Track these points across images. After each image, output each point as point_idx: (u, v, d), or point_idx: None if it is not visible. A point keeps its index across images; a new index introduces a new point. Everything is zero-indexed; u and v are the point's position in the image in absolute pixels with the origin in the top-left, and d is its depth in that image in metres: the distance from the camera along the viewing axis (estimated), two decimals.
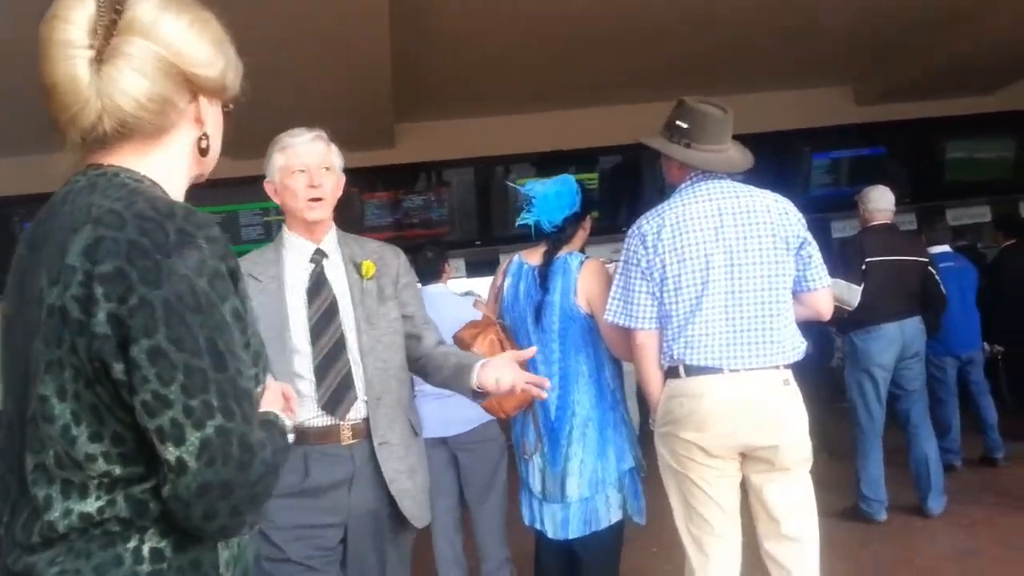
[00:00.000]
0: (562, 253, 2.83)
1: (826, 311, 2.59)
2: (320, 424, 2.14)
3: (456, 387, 2.22)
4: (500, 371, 2.09)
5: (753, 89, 6.63)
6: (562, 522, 2.78)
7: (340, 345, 2.15)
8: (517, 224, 2.94)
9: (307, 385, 2.12)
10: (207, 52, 1.14)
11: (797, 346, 2.47)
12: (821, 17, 5.16)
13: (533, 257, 2.88)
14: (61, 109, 1.07)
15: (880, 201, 4.39)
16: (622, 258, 2.56)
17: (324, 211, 2.21)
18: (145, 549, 1.01)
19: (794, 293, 2.53)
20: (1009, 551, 3.85)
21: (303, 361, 2.13)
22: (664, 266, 2.45)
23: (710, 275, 2.42)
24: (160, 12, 1.09)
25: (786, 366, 2.45)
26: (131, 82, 1.06)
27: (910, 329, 4.29)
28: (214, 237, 1.04)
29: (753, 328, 2.41)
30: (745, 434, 2.41)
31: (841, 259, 4.34)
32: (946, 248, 5.23)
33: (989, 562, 3.75)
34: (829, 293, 2.58)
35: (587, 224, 2.95)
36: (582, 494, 2.75)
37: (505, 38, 4.97)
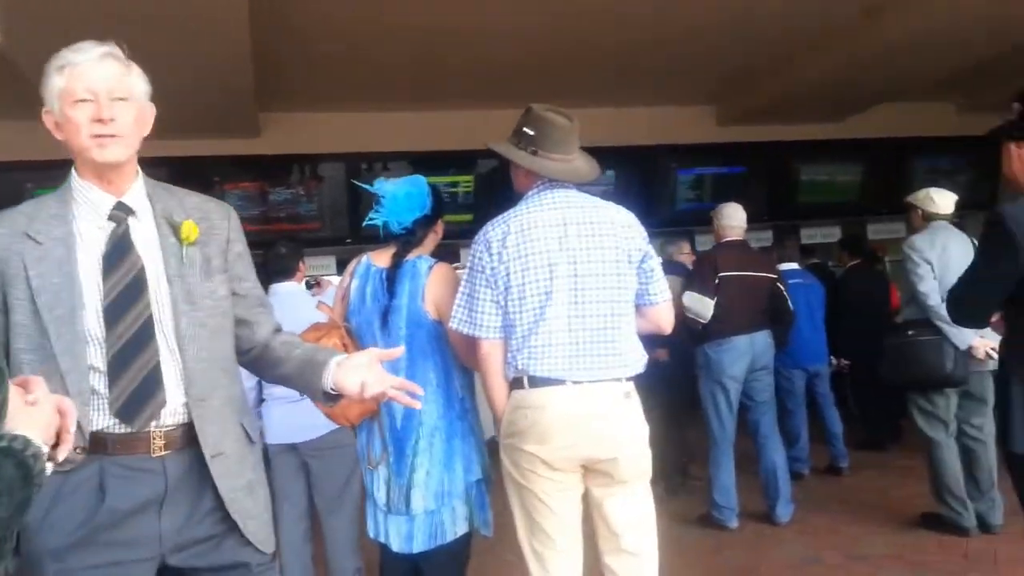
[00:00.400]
0: (411, 256, 2.73)
1: (667, 325, 2.59)
2: (122, 430, 1.66)
3: (300, 385, 1.90)
4: (365, 373, 1.75)
5: (623, 103, 6.78)
6: (407, 535, 2.67)
7: (147, 331, 1.66)
8: (364, 223, 2.81)
9: (103, 382, 1.66)
10: None
11: (639, 359, 2.46)
12: (686, 38, 5.31)
13: (382, 259, 2.76)
14: None
15: (733, 218, 4.51)
16: (468, 265, 2.48)
17: (119, 151, 1.68)
18: None
19: (637, 307, 2.51)
20: (850, 560, 3.98)
21: (97, 351, 1.65)
22: (508, 274, 2.39)
23: (554, 285, 2.37)
24: None
25: (628, 378, 2.43)
26: None
27: (760, 342, 4.42)
28: None
29: (596, 340, 2.38)
30: (586, 447, 2.37)
31: (696, 273, 4.43)
32: (795, 266, 5.44)
33: (830, 570, 3.88)
34: (669, 307, 2.58)
35: (439, 228, 2.85)
36: (427, 507, 2.65)
37: (373, 32, 4.88)
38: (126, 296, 1.67)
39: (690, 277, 4.57)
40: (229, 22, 3.89)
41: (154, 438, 1.67)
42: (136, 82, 1.72)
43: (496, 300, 2.41)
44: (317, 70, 5.50)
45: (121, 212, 1.72)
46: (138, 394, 1.66)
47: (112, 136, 1.66)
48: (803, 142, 7.40)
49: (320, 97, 6.10)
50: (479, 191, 6.82)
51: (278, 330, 1.95)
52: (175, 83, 4.44)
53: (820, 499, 4.94)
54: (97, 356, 1.65)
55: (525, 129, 2.48)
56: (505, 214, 2.48)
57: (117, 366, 1.65)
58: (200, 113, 4.41)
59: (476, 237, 2.48)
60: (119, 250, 1.69)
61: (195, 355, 1.72)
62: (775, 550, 4.19)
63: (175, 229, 1.75)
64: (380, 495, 2.70)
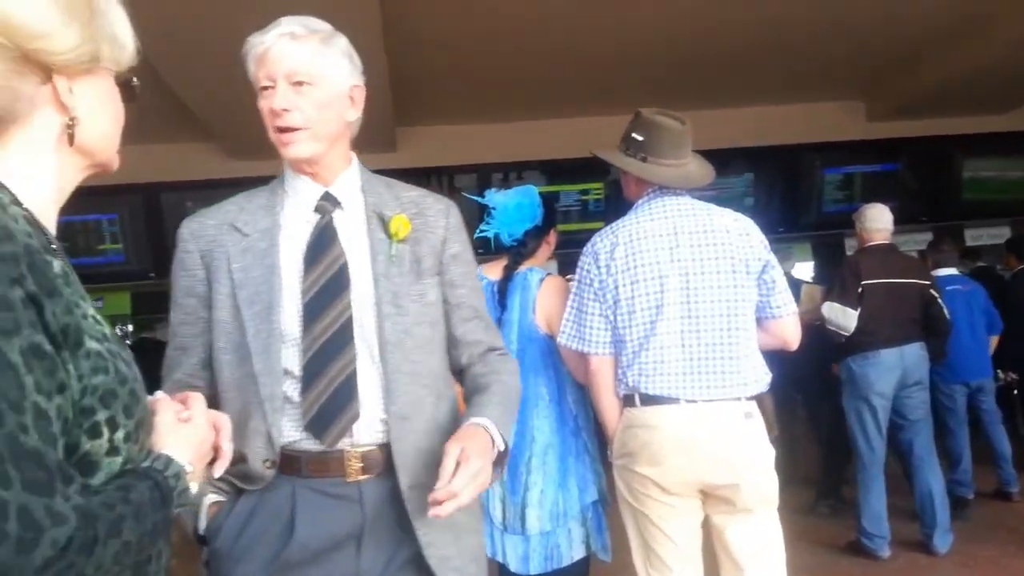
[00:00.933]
0: (523, 268, 2.67)
1: (792, 340, 2.39)
2: (314, 448, 1.48)
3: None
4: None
5: (763, 102, 6.54)
6: (523, 556, 2.61)
7: (346, 333, 1.48)
8: (475, 235, 2.78)
9: (296, 388, 1.49)
10: (50, 20, 0.93)
11: (761, 377, 2.28)
12: (832, 31, 5.05)
13: (493, 272, 2.71)
14: None
15: (877, 220, 4.18)
16: (576, 277, 2.39)
17: (304, 146, 1.50)
18: None
19: (759, 320, 2.34)
20: None
21: (293, 353, 1.48)
22: (617, 287, 2.28)
23: (665, 298, 2.24)
24: None
25: (748, 398, 2.26)
26: None
27: (911, 356, 4.06)
28: (2, 256, 0.84)
29: (712, 356, 2.22)
30: (703, 471, 2.22)
31: (837, 282, 4.12)
32: (952, 271, 4.99)
33: None
34: (795, 321, 2.38)
35: (551, 238, 2.78)
36: (543, 527, 2.58)
37: (503, 44, 4.90)
38: (326, 293, 1.50)
39: (830, 286, 4.25)
40: (364, 39, 3.96)
41: (349, 459, 1.48)
42: (333, 60, 1.51)
43: (605, 315, 2.30)
44: (449, 83, 5.59)
45: (327, 203, 1.56)
46: (331, 405, 1.47)
47: (291, 130, 1.48)
48: (965, 136, 6.87)
49: (453, 110, 6.20)
50: (610, 198, 6.72)
51: (491, 350, 1.67)
52: None
53: (985, 528, 4.51)
54: (292, 359, 1.49)
55: (634, 135, 2.36)
56: (614, 224, 2.37)
57: (312, 371, 1.47)
58: None
59: (584, 249, 2.39)
60: (322, 243, 1.53)
61: (397, 366, 1.50)
62: None
63: (384, 224, 1.56)
64: (496, 513, 2.65)
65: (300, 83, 1.47)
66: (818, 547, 4.42)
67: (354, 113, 1.57)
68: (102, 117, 1.03)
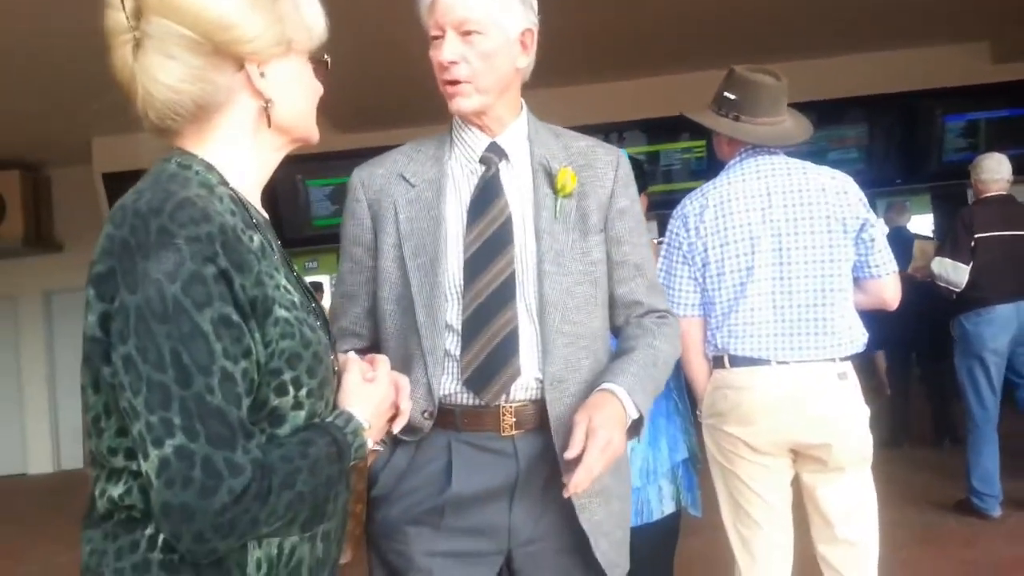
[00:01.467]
0: None
1: (892, 300, 2.36)
2: (470, 403, 1.48)
3: None
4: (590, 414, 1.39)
5: (878, 48, 6.27)
6: None
7: (508, 290, 1.46)
8: None
9: (457, 343, 1.48)
10: (236, 12, 1.01)
11: (856, 338, 2.27)
12: None
13: None
14: (131, 98, 1.03)
15: (993, 171, 3.99)
16: (665, 240, 2.42)
17: (471, 99, 1.46)
18: (160, 538, 0.98)
19: (856, 280, 2.32)
20: None
21: (454, 307, 1.47)
22: (706, 249, 2.30)
23: (756, 260, 2.25)
24: None
25: (843, 358, 2.25)
26: (159, 67, 1.00)
27: None
28: (199, 236, 0.94)
29: (804, 318, 2.23)
30: (794, 431, 2.24)
31: (949, 236, 3.99)
32: None
33: None
34: (895, 280, 2.34)
35: (642, 201, 2.81)
36: (633, 484, 2.66)
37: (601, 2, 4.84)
38: (489, 248, 1.47)
39: (942, 241, 4.11)
40: None
41: (504, 414, 1.47)
42: (503, 5, 1.44)
43: (694, 277, 2.33)
44: (548, 45, 5.57)
45: (492, 155, 1.52)
46: (490, 361, 1.45)
47: (457, 83, 1.45)
48: None
49: (550, 72, 6.18)
50: (712, 156, 6.61)
51: (651, 312, 1.60)
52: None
53: None
54: (454, 312, 1.48)
55: (726, 94, 2.36)
56: (704, 186, 2.39)
57: (472, 327, 1.46)
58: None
59: (674, 212, 2.42)
60: (486, 196, 1.50)
61: (556, 326, 1.47)
62: None
63: (550, 178, 1.51)
64: None
65: (469, 32, 1.43)
66: (926, 506, 4.36)
67: (525, 59, 1.51)
68: (296, 96, 1.10)
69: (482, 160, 1.53)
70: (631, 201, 1.59)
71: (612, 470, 1.48)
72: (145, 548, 0.98)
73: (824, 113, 6.68)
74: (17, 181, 7.57)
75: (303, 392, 1.04)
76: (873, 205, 7.20)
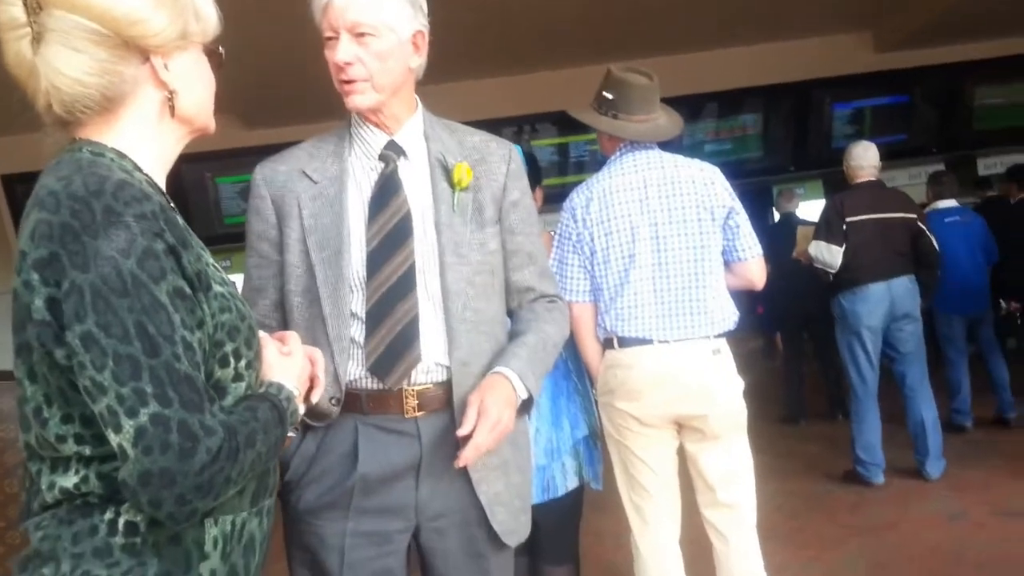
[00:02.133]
0: None
1: (758, 280, 2.57)
2: (375, 387, 1.56)
3: None
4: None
5: (768, 39, 6.51)
6: None
7: (408, 281, 1.54)
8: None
9: (362, 331, 1.55)
10: (143, 7, 1.04)
11: (728, 316, 2.46)
12: None
13: None
14: (26, 92, 1.04)
15: (862, 158, 4.26)
16: (556, 231, 2.56)
17: (366, 96, 1.52)
18: (120, 522, 1.01)
19: (726, 263, 2.51)
20: (998, 516, 3.77)
21: (358, 297, 1.55)
22: (592, 239, 2.46)
23: (636, 247, 2.41)
24: None
25: (717, 336, 2.44)
26: (63, 60, 1.01)
27: (898, 288, 4.17)
28: (145, 213, 0.97)
29: (681, 300, 2.41)
30: (675, 404, 2.42)
31: (822, 220, 4.25)
32: (952, 203, 5.05)
33: (975, 527, 3.69)
34: (760, 263, 2.55)
35: (537, 195, 2.93)
36: (538, 462, 2.78)
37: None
38: (390, 241, 1.54)
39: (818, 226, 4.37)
40: None
41: (407, 397, 1.55)
42: (394, 8, 1.50)
43: (583, 265, 2.48)
44: (463, 39, 5.60)
45: (391, 152, 1.59)
46: (393, 348, 1.53)
47: (352, 81, 1.51)
48: (977, 62, 6.78)
49: (462, 65, 6.22)
50: None
51: (541, 297, 1.71)
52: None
53: (979, 454, 4.65)
54: (358, 303, 1.55)
55: (605, 93, 2.50)
56: (589, 180, 2.53)
57: (376, 315, 1.54)
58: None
59: (563, 205, 2.56)
60: (386, 192, 1.56)
61: (459, 313, 1.56)
62: (918, 506, 4.02)
63: (447, 172, 1.58)
64: None
65: (362, 34, 1.48)
66: (818, 476, 4.63)
67: (417, 59, 1.57)
68: (197, 87, 1.14)
69: (381, 157, 1.59)
70: (522, 193, 1.67)
71: (512, 444, 1.62)
72: (105, 532, 1.00)
73: (722, 103, 6.97)
74: None
75: (242, 363, 1.09)
76: (768, 192, 7.50)
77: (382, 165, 1.59)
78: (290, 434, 1.56)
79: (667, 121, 2.52)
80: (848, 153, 4.37)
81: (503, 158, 1.65)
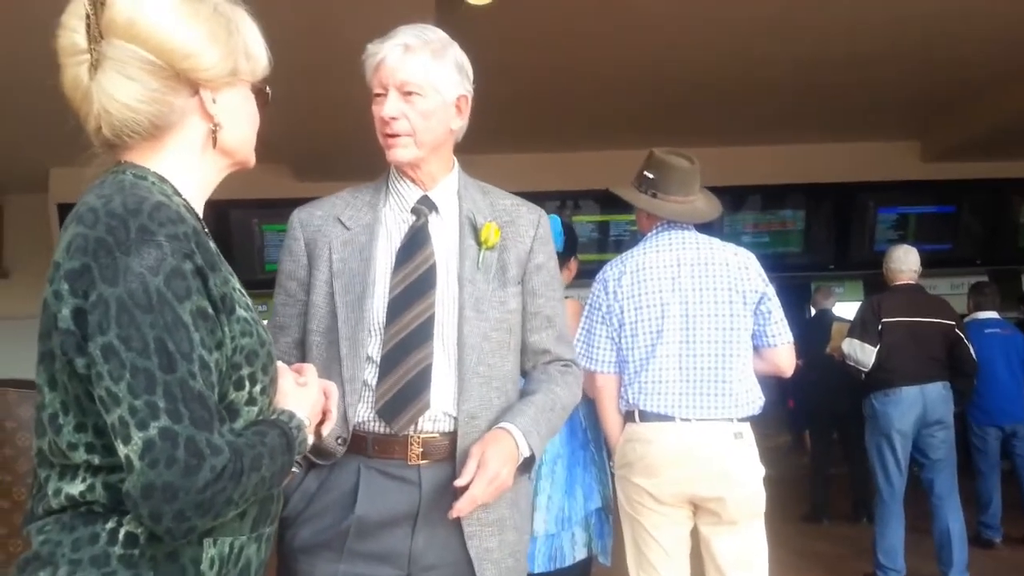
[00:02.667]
0: None
1: (787, 367, 2.57)
2: (381, 431, 1.59)
3: None
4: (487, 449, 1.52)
5: (818, 140, 6.60)
6: (528, 555, 2.80)
7: (426, 330, 1.58)
8: None
9: (375, 375, 1.59)
10: (197, 42, 1.09)
11: (753, 400, 2.46)
12: (889, 70, 5.11)
13: None
14: (79, 115, 1.10)
15: (902, 261, 4.27)
16: (587, 302, 2.60)
17: (407, 151, 1.60)
18: (121, 532, 1.02)
19: (755, 348, 2.52)
20: None
21: (376, 341, 1.59)
22: (623, 312, 2.49)
23: (665, 324, 2.45)
24: (138, 7, 1.06)
25: (740, 419, 2.44)
26: (118, 87, 1.05)
27: (932, 393, 4.12)
28: (177, 234, 1.01)
29: (706, 379, 2.42)
30: (692, 484, 2.40)
31: (858, 319, 4.24)
32: (993, 314, 5.02)
33: None
34: (789, 350, 2.55)
35: (572, 265, 2.99)
36: (548, 530, 2.77)
37: (553, 75, 5.10)
38: (413, 290, 1.59)
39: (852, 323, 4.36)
40: None
41: (412, 444, 1.57)
42: (443, 71, 1.60)
43: (611, 336, 2.52)
44: (505, 114, 5.77)
45: (423, 207, 1.66)
46: (403, 393, 1.57)
47: (395, 135, 1.59)
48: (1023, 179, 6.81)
49: (510, 139, 6.38)
50: None
51: (556, 360, 1.73)
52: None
53: (1007, 570, 4.53)
54: (375, 347, 1.59)
55: (646, 173, 2.57)
56: (624, 255, 2.59)
57: (390, 360, 1.58)
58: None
59: (596, 276, 2.60)
60: (414, 244, 1.62)
61: (472, 366, 1.59)
62: None
63: (475, 231, 1.64)
64: None
65: (410, 93, 1.57)
66: None
67: (459, 121, 1.65)
68: (241, 122, 1.18)
69: (413, 210, 1.65)
70: (548, 257, 1.72)
71: (511, 504, 1.63)
72: (105, 541, 1.01)
73: (767, 197, 7.05)
74: None
75: (257, 388, 1.11)
76: (807, 288, 7.49)
77: (413, 218, 1.65)
78: (293, 469, 1.54)
79: (705, 204, 2.58)
80: (888, 255, 4.39)
81: (532, 222, 1.70)
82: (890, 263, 4.33)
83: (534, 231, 1.69)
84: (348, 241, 1.64)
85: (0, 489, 1.70)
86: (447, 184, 1.68)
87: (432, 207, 1.66)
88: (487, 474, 1.47)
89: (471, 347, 1.59)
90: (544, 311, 1.70)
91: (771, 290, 2.52)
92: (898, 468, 4.17)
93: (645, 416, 2.45)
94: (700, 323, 2.44)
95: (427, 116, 1.58)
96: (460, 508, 1.46)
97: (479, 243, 1.63)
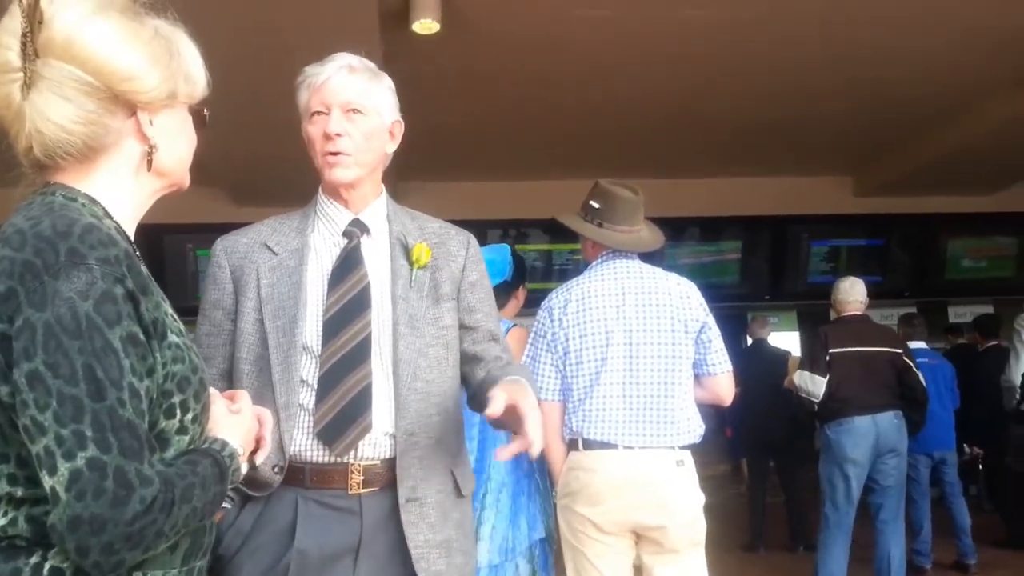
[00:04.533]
0: None
1: (726, 396, 2.60)
2: (320, 460, 1.55)
3: (477, 402, 1.70)
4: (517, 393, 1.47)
5: (754, 174, 6.75)
6: None
7: (363, 350, 1.57)
8: None
9: (311, 398, 1.57)
10: (137, 65, 1.07)
11: (694, 428, 2.48)
12: (821, 107, 5.27)
13: None
14: (8, 134, 1.07)
15: (848, 292, 4.38)
16: (532, 330, 2.60)
17: (349, 170, 1.61)
18: (46, 567, 0.98)
19: (696, 377, 2.55)
20: None
21: (311, 364, 1.58)
22: (567, 339, 2.50)
23: (609, 352, 2.46)
24: (78, 27, 1.03)
25: (682, 447, 2.45)
26: (52, 107, 1.03)
27: (884, 423, 4.19)
28: (108, 257, 0.98)
29: (649, 407, 2.43)
30: (635, 512, 2.41)
31: (807, 351, 4.34)
32: (921, 344, 5.16)
33: None
34: (729, 379, 2.59)
35: (520, 294, 3.01)
36: (491, 560, 2.75)
37: (503, 105, 5.15)
38: (348, 311, 1.59)
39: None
40: None
41: (352, 472, 1.54)
42: (382, 95, 1.65)
43: (555, 364, 2.52)
44: (452, 142, 5.81)
45: (355, 229, 1.66)
46: (344, 414, 1.54)
47: (338, 154, 1.59)
48: (951, 215, 7.09)
49: (453, 167, 6.41)
50: None
51: (499, 358, 1.74)
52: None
53: None
54: (309, 370, 1.57)
55: (592, 202, 2.60)
56: (569, 283, 2.60)
57: (327, 382, 1.56)
58: None
59: (542, 304, 2.61)
60: (347, 265, 1.63)
61: (409, 383, 1.59)
62: None
63: (407, 251, 1.67)
64: None
65: (353, 111, 1.59)
66: None
67: (392, 146, 1.70)
68: (178, 144, 1.16)
69: (345, 233, 1.66)
70: (481, 275, 1.76)
71: (456, 526, 1.62)
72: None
73: (704, 228, 7.18)
74: None
75: (188, 416, 1.08)
76: (744, 318, 7.62)
77: (345, 240, 1.65)
78: (225, 505, 1.54)
79: (649, 234, 2.61)
80: (836, 287, 4.50)
81: (462, 243, 1.73)
82: (837, 294, 4.43)
83: (465, 251, 1.72)
84: (276, 266, 1.63)
85: None
86: (377, 208, 1.70)
87: (364, 229, 1.67)
88: (537, 415, 1.43)
89: (407, 363, 1.59)
90: (485, 325, 1.72)
91: (711, 319, 2.55)
92: (847, 497, 4.21)
93: (588, 444, 2.45)
94: (643, 351, 2.45)
95: (368, 137, 1.61)
96: (512, 450, 1.43)
97: (411, 263, 1.65)
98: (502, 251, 2.99)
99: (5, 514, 1.00)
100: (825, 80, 4.85)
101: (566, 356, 2.50)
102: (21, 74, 1.03)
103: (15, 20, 1.03)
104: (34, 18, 1.02)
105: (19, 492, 0.99)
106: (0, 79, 1.04)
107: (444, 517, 1.59)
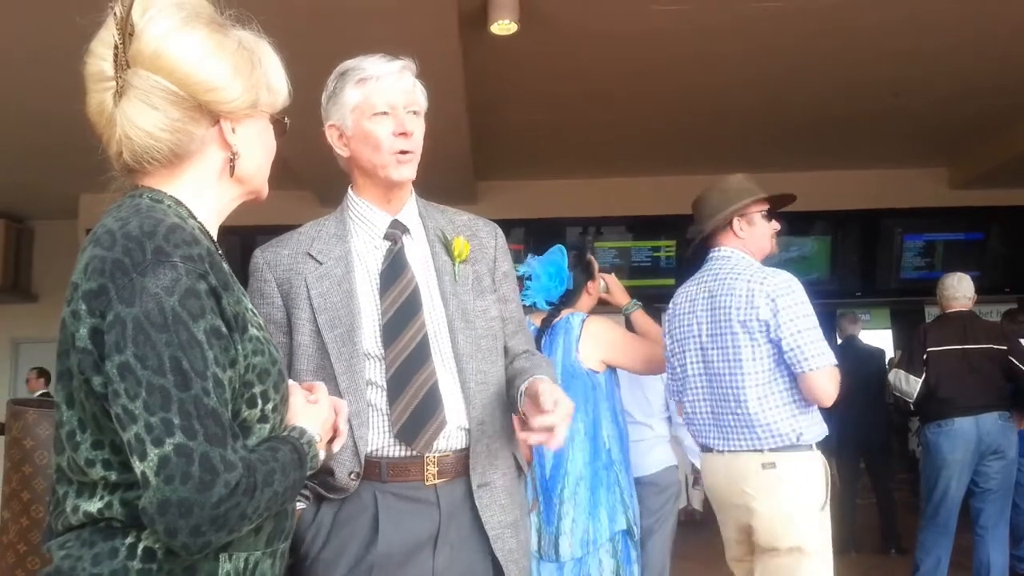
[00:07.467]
0: (565, 314, 2.88)
1: (822, 396, 2.37)
2: (398, 454, 1.59)
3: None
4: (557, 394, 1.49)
5: (845, 167, 6.58)
6: None
7: (423, 349, 1.60)
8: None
9: (383, 398, 1.59)
10: (221, 76, 1.12)
11: (783, 431, 2.36)
12: (916, 98, 5.12)
13: (538, 318, 2.94)
14: (102, 140, 1.13)
15: (955, 288, 4.21)
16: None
17: (412, 169, 1.65)
18: (140, 547, 1.03)
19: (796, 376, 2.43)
20: None
21: (376, 367, 1.60)
22: (667, 347, 2.62)
23: (687, 358, 2.52)
24: (165, 40, 1.09)
25: (772, 449, 2.36)
26: (140, 115, 1.08)
27: (988, 424, 4.00)
28: (192, 255, 1.03)
29: (728, 412, 2.42)
30: (729, 514, 2.46)
31: (905, 349, 4.20)
32: None
33: None
34: (823, 375, 2.36)
35: (591, 288, 2.99)
36: (574, 553, 2.75)
37: (582, 102, 5.13)
38: (402, 314, 1.61)
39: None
40: (447, 97, 4.28)
41: (428, 464, 1.58)
42: (423, 99, 1.68)
43: (672, 366, 2.64)
44: (530, 140, 5.84)
45: (396, 231, 1.68)
46: (418, 413, 1.57)
47: (410, 152, 1.63)
48: None
49: (533, 165, 6.44)
50: (682, 257, 6.84)
51: (527, 351, 1.78)
52: None
53: None
54: (376, 372, 1.60)
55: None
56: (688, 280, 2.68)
57: (397, 385, 1.58)
58: (420, 181, 4.94)
59: None
60: (394, 268, 1.64)
61: (473, 376, 1.62)
62: None
63: (447, 247, 1.69)
64: (533, 542, 2.83)
65: (416, 112, 1.64)
66: None
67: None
68: (258, 152, 1.21)
69: (386, 236, 1.67)
70: (509, 265, 1.79)
71: (520, 504, 1.69)
72: (125, 556, 1.03)
73: (792, 224, 7.00)
74: (1, 230, 7.69)
75: (269, 406, 1.13)
76: (833, 315, 7.46)
77: (387, 243, 1.67)
78: (300, 505, 1.58)
79: None
80: (941, 283, 4.34)
81: (491, 234, 1.76)
82: (943, 290, 4.28)
83: (495, 241, 1.75)
84: (323, 275, 1.63)
85: (20, 507, 1.70)
86: (411, 206, 1.72)
87: (404, 229, 1.68)
88: (567, 406, 1.46)
89: (468, 356, 1.63)
90: (516, 315, 1.77)
91: (785, 316, 2.35)
92: (945, 500, 4.06)
93: (702, 446, 2.55)
94: (712, 356, 2.47)
95: (422, 137, 1.66)
96: (535, 439, 1.45)
97: (452, 258, 1.68)
98: (558, 253, 2.96)
99: (101, 498, 1.05)
100: (921, 70, 4.71)
101: (670, 361, 2.62)
102: (113, 83, 1.09)
103: (109, 32, 1.09)
104: (126, 30, 1.08)
105: (113, 477, 1.04)
106: (95, 87, 1.11)
107: (511, 498, 1.64)
